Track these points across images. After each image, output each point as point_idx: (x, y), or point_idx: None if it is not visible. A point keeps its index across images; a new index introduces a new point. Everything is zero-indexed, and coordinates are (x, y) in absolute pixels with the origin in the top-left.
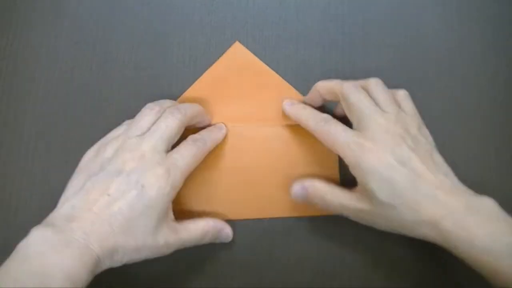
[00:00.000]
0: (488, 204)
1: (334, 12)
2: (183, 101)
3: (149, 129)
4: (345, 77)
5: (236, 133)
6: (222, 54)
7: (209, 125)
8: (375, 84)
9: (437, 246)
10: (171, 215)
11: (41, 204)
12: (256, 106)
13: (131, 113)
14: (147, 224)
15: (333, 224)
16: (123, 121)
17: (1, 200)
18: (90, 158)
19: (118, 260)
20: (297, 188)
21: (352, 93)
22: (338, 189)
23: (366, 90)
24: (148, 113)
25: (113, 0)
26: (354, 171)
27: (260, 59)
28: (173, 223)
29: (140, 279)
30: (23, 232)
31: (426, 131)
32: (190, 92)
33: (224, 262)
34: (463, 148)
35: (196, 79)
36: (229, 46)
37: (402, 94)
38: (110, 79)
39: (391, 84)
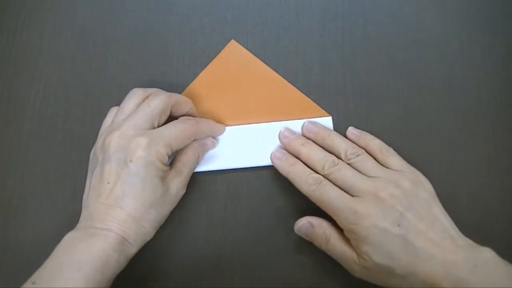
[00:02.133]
0: (486, 257)
1: (334, 12)
2: None
3: (134, 111)
4: (344, 77)
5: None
6: None
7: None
8: (357, 158)
9: None
10: (167, 168)
11: (41, 204)
12: (253, 103)
13: None
14: (154, 189)
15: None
16: None
17: (1, 200)
18: (92, 155)
19: (148, 231)
20: (303, 223)
21: (337, 172)
22: (343, 235)
23: (349, 163)
24: (132, 97)
25: (113, 0)
26: (348, 235)
27: (260, 59)
28: (172, 170)
29: (138, 280)
30: (23, 232)
31: (422, 183)
32: (186, 92)
33: (224, 262)
34: (463, 148)
35: None
36: None
37: (387, 153)
38: (110, 79)
39: (391, 84)
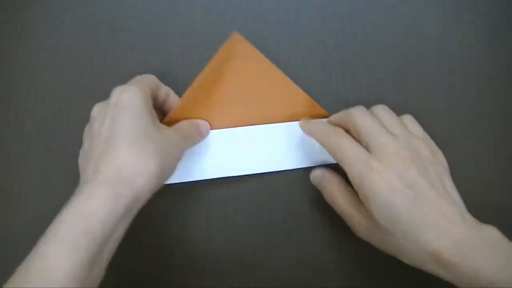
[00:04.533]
0: (491, 234)
1: (334, 12)
2: (183, 103)
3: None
4: (345, 77)
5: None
6: None
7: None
8: (381, 109)
9: None
10: (156, 115)
11: (41, 204)
12: (255, 102)
13: None
14: (145, 121)
15: (333, 224)
16: None
17: (1, 200)
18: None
19: (147, 161)
20: (317, 172)
21: (359, 117)
22: (352, 191)
23: (373, 115)
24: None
25: (113, 0)
26: (356, 188)
27: None
28: (164, 124)
29: (138, 280)
30: (23, 232)
31: (439, 155)
32: (186, 91)
33: (223, 262)
34: (463, 148)
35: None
36: None
37: (408, 118)
38: (110, 79)
39: (391, 84)
